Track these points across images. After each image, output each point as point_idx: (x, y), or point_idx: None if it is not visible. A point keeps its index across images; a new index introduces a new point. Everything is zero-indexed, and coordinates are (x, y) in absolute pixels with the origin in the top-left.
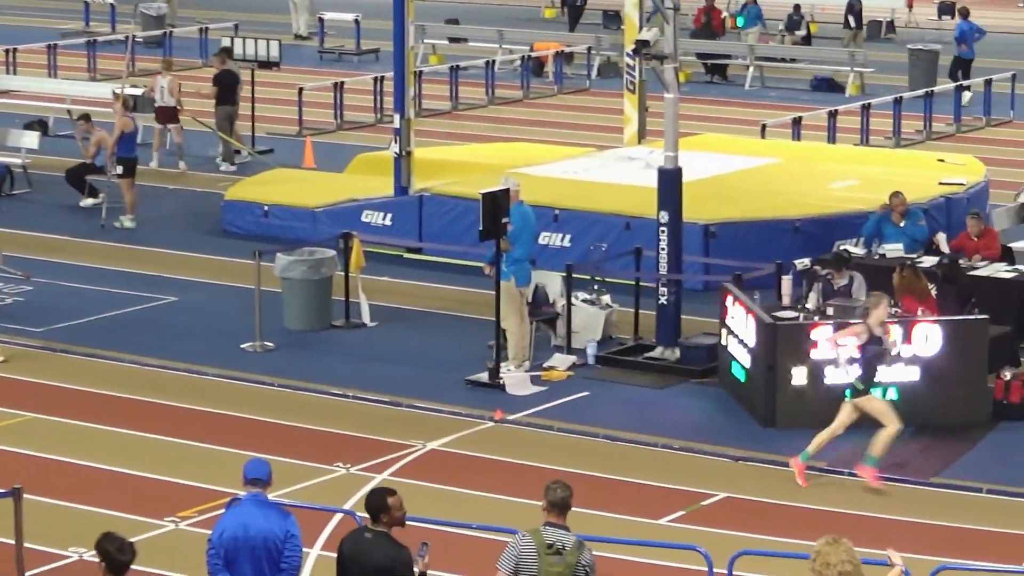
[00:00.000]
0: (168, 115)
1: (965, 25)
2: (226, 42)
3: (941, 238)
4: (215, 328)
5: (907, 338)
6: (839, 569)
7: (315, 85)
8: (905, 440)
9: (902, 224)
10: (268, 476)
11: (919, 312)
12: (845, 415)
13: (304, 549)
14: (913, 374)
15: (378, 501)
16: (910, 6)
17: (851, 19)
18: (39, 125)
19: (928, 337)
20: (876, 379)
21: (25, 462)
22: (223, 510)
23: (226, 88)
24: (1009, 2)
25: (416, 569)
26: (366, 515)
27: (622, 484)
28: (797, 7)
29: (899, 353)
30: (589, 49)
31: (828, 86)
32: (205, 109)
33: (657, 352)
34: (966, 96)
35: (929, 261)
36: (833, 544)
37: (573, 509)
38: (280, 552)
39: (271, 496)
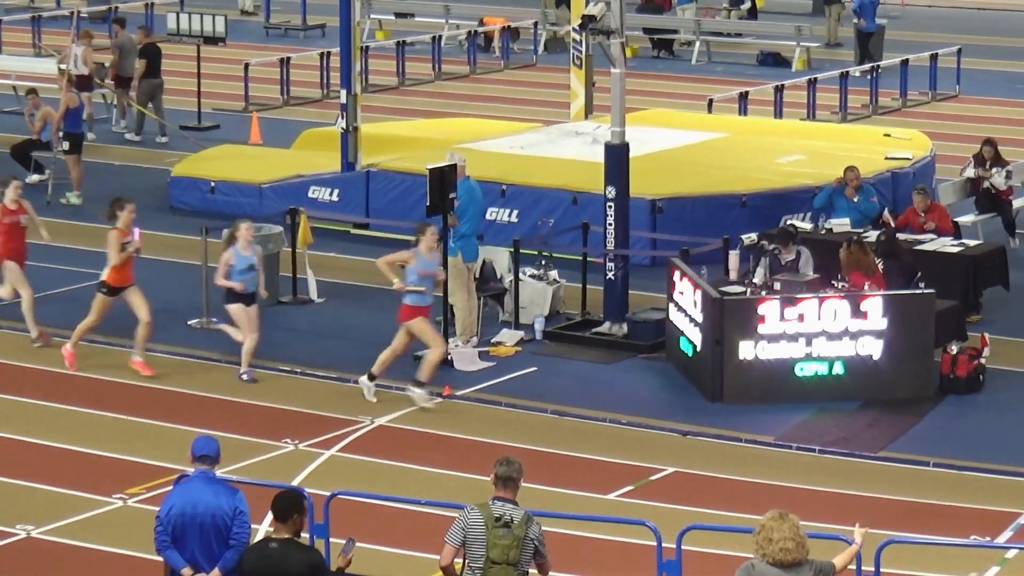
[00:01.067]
0: (82, 84)
1: None
2: (148, 16)
3: (888, 217)
4: (162, 304)
5: (854, 313)
6: (780, 545)
7: (261, 60)
8: (852, 414)
9: (856, 199)
10: (216, 453)
11: (866, 287)
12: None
13: (252, 525)
14: (860, 348)
15: (293, 500)
16: None
17: None
18: None
19: (875, 312)
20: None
21: None
22: (171, 487)
23: (152, 61)
24: None
25: (337, 563)
26: (315, 491)
27: (570, 459)
28: None
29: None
30: (536, 24)
31: (774, 61)
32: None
33: (605, 327)
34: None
35: (875, 236)
36: (779, 520)
37: (522, 484)
38: (228, 529)
39: (219, 472)
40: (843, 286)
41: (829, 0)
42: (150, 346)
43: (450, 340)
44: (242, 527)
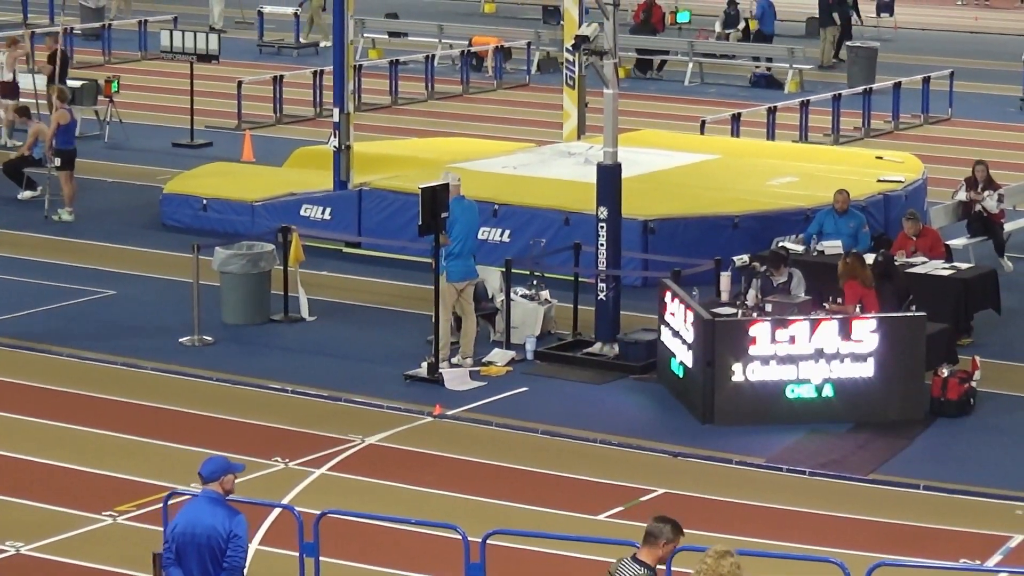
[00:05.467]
0: (7, 90)
1: (765, 2)
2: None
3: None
4: (153, 322)
5: (845, 335)
6: None
7: (254, 79)
8: (842, 436)
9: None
10: (210, 473)
11: (857, 308)
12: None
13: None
14: (851, 371)
15: None
16: None
17: (836, 16)
18: None
19: (866, 334)
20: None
21: None
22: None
23: (59, 67)
24: (945, 0)
25: None
26: (305, 510)
27: (560, 479)
28: (732, 2)
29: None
30: (529, 44)
31: (767, 83)
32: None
33: (596, 348)
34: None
35: (868, 257)
36: (712, 555)
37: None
38: (224, 551)
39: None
40: (837, 303)
41: (824, 22)
42: (141, 363)
43: (454, 359)
44: (236, 550)
